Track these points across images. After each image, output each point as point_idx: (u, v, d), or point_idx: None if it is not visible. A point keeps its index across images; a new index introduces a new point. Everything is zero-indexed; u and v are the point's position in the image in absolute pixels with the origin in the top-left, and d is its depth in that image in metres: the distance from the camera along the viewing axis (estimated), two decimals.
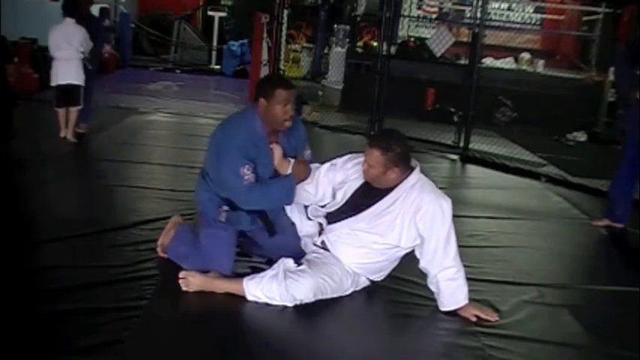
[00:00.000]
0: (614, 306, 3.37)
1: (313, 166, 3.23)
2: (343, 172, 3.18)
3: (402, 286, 3.21)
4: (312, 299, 2.90)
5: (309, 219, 3.26)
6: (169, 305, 2.87)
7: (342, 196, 3.14)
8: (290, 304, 2.87)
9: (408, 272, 3.21)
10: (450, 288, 2.96)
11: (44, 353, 2.38)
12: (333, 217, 3.14)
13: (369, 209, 3.03)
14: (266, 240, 3.22)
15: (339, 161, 3.24)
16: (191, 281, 2.95)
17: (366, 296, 3.11)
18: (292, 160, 3.18)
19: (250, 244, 3.30)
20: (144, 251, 3.34)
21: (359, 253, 3.04)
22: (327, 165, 3.24)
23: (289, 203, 3.18)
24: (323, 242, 3.13)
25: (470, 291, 3.21)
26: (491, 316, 2.97)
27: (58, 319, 2.61)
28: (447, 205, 2.96)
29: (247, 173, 2.97)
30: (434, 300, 3.04)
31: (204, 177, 3.22)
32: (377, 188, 3.03)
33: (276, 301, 2.87)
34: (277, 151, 3.13)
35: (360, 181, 3.10)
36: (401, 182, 2.99)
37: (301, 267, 2.99)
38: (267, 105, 3.01)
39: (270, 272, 2.93)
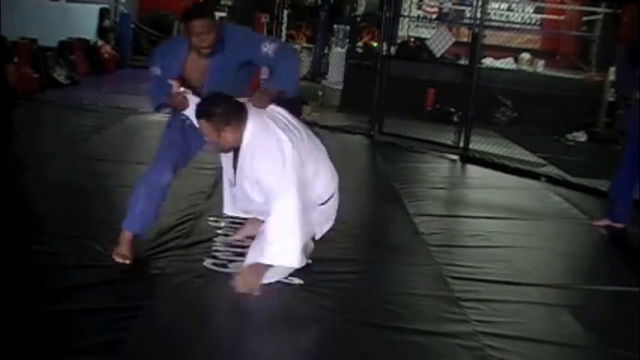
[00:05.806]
0: (614, 306, 3.38)
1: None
2: None
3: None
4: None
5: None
6: (169, 305, 2.87)
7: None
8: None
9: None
10: (258, 239, 2.99)
11: (44, 353, 2.38)
12: None
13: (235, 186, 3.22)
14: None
15: None
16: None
17: (365, 295, 3.12)
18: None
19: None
20: (144, 251, 3.34)
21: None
22: None
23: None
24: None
25: (470, 291, 3.23)
26: (249, 287, 2.91)
27: (59, 319, 2.62)
28: (265, 157, 2.96)
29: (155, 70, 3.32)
30: (434, 298, 3.03)
31: None
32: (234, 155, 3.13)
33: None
34: (175, 84, 3.28)
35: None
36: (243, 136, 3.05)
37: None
38: (188, 34, 3.25)
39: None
